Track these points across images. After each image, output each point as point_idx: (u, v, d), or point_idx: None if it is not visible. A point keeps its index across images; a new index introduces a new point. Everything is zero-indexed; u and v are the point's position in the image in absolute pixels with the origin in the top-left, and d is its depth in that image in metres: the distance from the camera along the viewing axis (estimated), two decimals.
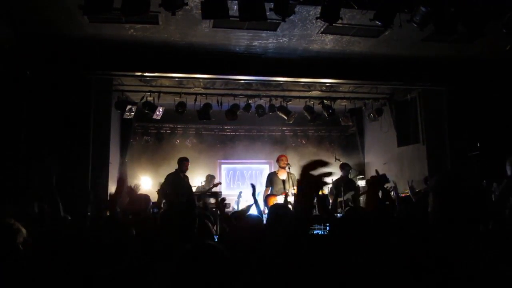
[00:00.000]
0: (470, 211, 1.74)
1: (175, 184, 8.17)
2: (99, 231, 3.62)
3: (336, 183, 9.02)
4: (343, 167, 9.09)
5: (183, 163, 8.28)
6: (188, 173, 9.89)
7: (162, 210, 2.79)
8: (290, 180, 7.81)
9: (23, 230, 2.57)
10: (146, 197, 3.74)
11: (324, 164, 1.68)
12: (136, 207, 3.19)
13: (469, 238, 1.73)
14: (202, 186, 9.73)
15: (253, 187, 5.56)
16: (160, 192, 7.78)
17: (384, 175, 3.35)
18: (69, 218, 3.98)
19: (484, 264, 1.70)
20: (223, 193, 9.70)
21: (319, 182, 1.71)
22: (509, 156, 4.01)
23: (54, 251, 2.29)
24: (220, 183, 9.37)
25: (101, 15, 5.59)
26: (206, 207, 5.44)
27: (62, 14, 5.88)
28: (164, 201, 7.41)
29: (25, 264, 2.36)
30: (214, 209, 8.06)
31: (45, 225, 3.47)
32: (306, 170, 1.66)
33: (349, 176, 9.34)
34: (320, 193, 3.93)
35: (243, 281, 2.21)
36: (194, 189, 9.04)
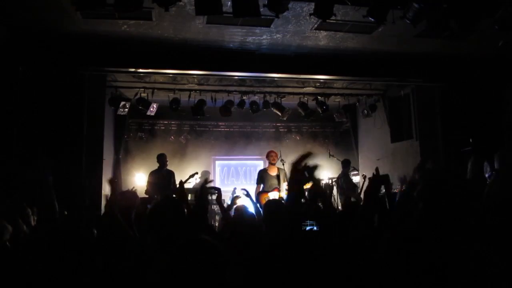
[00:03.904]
0: (456, 207, 1.77)
1: (157, 180, 8.25)
2: (95, 228, 3.63)
3: (336, 179, 9.13)
4: (345, 163, 9.24)
5: (160, 158, 8.41)
6: (182, 170, 9.89)
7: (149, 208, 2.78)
8: (281, 175, 7.83)
9: (9, 228, 2.56)
10: (133, 193, 3.72)
11: (309, 155, 1.80)
12: (124, 203, 3.18)
13: (458, 233, 1.75)
14: (197, 183, 9.74)
15: (247, 191, 5.54)
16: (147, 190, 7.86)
17: (386, 176, 3.33)
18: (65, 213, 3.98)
19: (475, 258, 1.73)
20: None
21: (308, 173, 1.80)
22: (498, 151, 4.07)
23: (49, 249, 2.30)
24: (196, 173, 9.38)
25: (94, 11, 5.56)
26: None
27: (55, 10, 5.84)
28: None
29: (15, 261, 2.36)
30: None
31: (30, 225, 3.47)
32: (295, 166, 1.77)
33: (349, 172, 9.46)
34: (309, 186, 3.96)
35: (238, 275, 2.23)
36: (190, 186, 9.06)
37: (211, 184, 9.27)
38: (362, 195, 8.81)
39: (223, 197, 9.25)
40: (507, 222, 2.29)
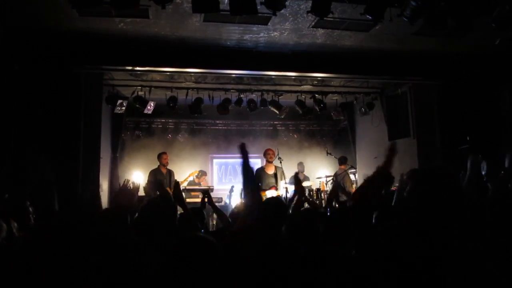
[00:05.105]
0: (448, 204, 1.77)
1: (157, 179, 8.30)
2: (94, 224, 3.60)
3: (334, 176, 9.15)
4: (343, 161, 9.28)
5: (161, 157, 8.59)
6: (179, 168, 9.90)
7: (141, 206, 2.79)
8: (279, 173, 7.84)
9: (4, 226, 2.55)
10: (131, 192, 3.72)
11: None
12: (122, 201, 3.17)
13: (451, 232, 1.75)
14: (194, 181, 9.75)
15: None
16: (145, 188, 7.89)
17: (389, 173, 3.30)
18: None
19: (471, 257, 1.72)
20: (215, 188, 9.76)
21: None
22: (509, 150, 4.07)
23: (47, 246, 2.29)
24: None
25: (91, 9, 5.54)
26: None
27: (51, 7, 5.81)
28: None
29: (12, 258, 2.35)
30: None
31: (28, 221, 3.46)
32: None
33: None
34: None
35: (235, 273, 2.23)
36: (185, 184, 9.07)
37: (208, 183, 9.28)
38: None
39: (221, 196, 9.27)
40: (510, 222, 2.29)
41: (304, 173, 10.35)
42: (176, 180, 4.32)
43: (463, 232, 1.79)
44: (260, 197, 3.31)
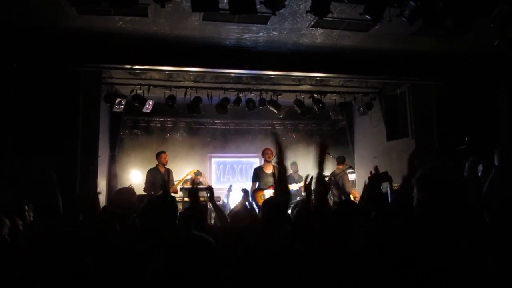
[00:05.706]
0: (454, 204, 1.77)
1: (155, 178, 8.29)
2: (89, 225, 3.61)
3: (333, 176, 9.15)
4: (342, 160, 9.30)
5: (160, 156, 8.50)
6: (177, 167, 9.90)
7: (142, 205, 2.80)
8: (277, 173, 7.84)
9: (7, 222, 2.55)
10: (130, 191, 3.72)
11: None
12: (121, 200, 3.18)
13: (456, 231, 1.75)
14: (191, 179, 9.73)
15: (245, 192, 5.60)
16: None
17: (385, 173, 3.32)
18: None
19: (471, 256, 1.73)
20: (213, 187, 9.74)
21: None
22: (497, 148, 4.05)
23: (45, 245, 2.28)
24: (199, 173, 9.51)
25: (90, 7, 5.53)
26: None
27: (50, 6, 5.80)
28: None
29: (13, 256, 2.35)
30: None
31: (25, 220, 3.46)
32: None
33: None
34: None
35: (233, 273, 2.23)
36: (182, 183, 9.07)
37: (203, 184, 9.31)
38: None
39: (218, 195, 9.27)
40: (507, 221, 2.29)
41: (299, 173, 10.32)
42: (191, 188, 4.29)
43: (465, 232, 1.79)
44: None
